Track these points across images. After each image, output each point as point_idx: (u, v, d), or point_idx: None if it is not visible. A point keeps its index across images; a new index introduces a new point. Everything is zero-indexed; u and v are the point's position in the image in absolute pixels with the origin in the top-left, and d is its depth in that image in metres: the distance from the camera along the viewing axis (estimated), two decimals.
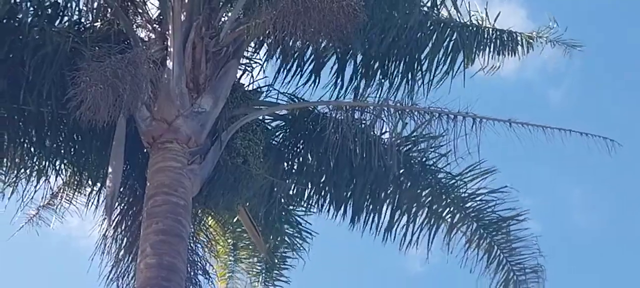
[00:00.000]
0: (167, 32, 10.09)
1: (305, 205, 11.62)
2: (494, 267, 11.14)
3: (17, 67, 9.71)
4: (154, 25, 10.51)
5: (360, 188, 10.99)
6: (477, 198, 11.14)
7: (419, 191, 11.16)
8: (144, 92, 9.14)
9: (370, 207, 11.19)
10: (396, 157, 10.52)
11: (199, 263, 11.09)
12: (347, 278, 18.48)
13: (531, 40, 11.08)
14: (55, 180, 11.02)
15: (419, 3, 10.95)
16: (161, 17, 10.48)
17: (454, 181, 11.08)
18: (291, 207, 11.75)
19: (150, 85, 9.27)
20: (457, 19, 11.02)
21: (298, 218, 11.89)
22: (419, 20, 10.77)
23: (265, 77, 11.15)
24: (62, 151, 10.52)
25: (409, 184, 11.12)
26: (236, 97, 10.36)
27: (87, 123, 8.91)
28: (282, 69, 11.13)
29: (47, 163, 10.57)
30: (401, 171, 10.97)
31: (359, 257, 16.71)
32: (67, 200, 11.67)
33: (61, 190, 11.61)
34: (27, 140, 10.35)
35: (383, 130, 10.71)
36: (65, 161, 10.68)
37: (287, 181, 11.04)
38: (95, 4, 10.30)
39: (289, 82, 11.16)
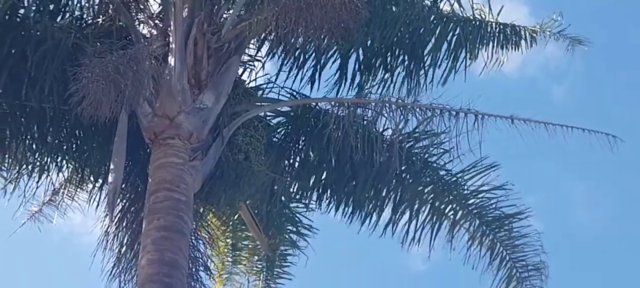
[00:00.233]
0: (168, 28, 10.09)
1: (306, 202, 11.61)
2: (496, 264, 11.11)
3: (19, 63, 9.70)
4: (156, 21, 10.50)
5: (362, 185, 10.98)
6: (480, 195, 11.12)
7: (421, 188, 11.14)
8: (146, 88, 9.15)
9: (372, 204, 11.17)
10: (398, 154, 10.50)
11: (200, 260, 11.09)
12: (348, 275, 18.48)
13: (535, 34, 11.05)
14: (57, 176, 11.04)
15: None
16: (163, 14, 10.47)
17: (456, 178, 11.06)
18: (292, 204, 11.72)
19: (152, 82, 9.27)
20: (460, 14, 10.99)
21: (299, 215, 11.85)
22: (421, 15, 10.73)
23: (267, 74, 11.18)
24: (64, 147, 10.51)
25: (411, 181, 11.10)
26: (238, 93, 10.37)
27: (89, 119, 8.92)
28: (283, 66, 11.13)
29: (48, 159, 10.57)
30: (403, 168, 10.95)
31: (361, 254, 16.72)
32: (69, 196, 11.67)
33: (63, 187, 11.60)
34: (28, 136, 10.34)
35: (385, 127, 10.71)
36: (67, 157, 10.67)
37: (289, 178, 11.02)
38: (97, 0, 10.29)
39: (291, 78, 11.17)
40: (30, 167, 10.61)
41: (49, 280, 18.70)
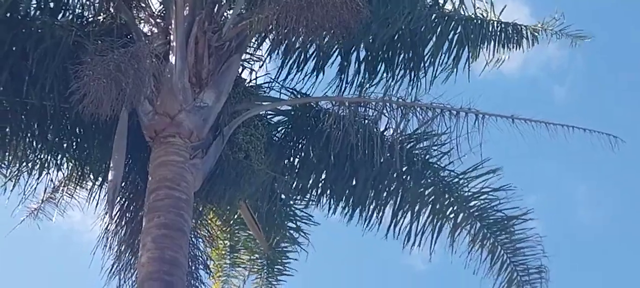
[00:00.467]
0: (169, 27, 10.08)
1: (306, 201, 11.59)
2: (497, 267, 11.07)
3: (20, 61, 9.71)
4: (157, 19, 10.49)
5: (362, 184, 10.97)
6: (481, 197, 11.09)
7: (422, 190, 11.11)
8: (147, 86, 9.15)
9: (373, 204, 11.15)
10: (398, 154, 10.49)
11: (200, 258, 11.09)
12: (350, 274, 18.48)
13: (536, 33, 11.03)
14: (57, 174, 11.04)
15: None
16: (164, 12, 10.46)
17: (457, 179, 11.04)
18: (293, 202, 11.70)
19: (152, 80, 9.26)
20: (462, 13, 10.97)
21: (299, 213, 11.83)
22: (422, 14, 10.72)
23: (267, 73, 11.17)
24: (64, 145, 10.51)
25: (411, 182, 11.08)
26: (238, 92, 10.37)
27: (90, 117, 8.93)
28: (284, 64, 11.12)
29: (49, 156, 10.56)
30: (404, 168, 10.93)
31: (363, 253, 16.71)
32: (69, 194, 11.67)
33: (62, 184, 11.60)
34: (29, 134, 10.34)
35: (386, 127, 10.69)
36: (67, 155, 10.67)
37: (289, 176, 11.01)
38: None
39: (292, 77, 11.16)
40: (30, 164, 10.60)
41: (48, 277, 18.73)
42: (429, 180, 11.06)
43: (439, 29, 10.95)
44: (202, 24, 10.00)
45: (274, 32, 9.82)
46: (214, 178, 10.18)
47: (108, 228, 10.94)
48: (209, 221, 11.74)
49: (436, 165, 10.99)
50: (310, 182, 11.18)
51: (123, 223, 10.85)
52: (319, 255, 12.23)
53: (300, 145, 11.09)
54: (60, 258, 18.21)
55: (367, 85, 11.05)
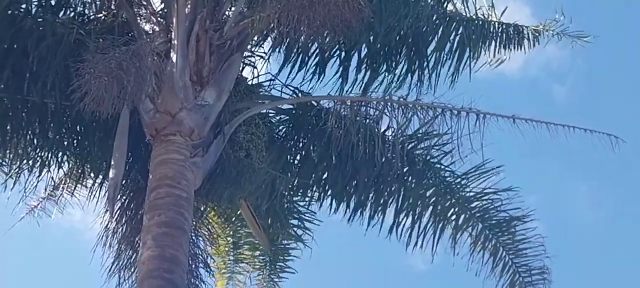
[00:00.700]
0: (171, 25, 10.08)
1: (307, 200, 11.59)
2: (499, 268, 11.05)
3: (21, 58, 9.71)
4: (158, 17, 10.50)
5: (363, 184, 10.97)
6: (483, 198, 11.08)
7: (423, 191, 11.11)
8: (148, 85, 9.13)
9: (374, 203, 11.15)
10: (399, 154, 10.49)
11: (200, 257, 11.09)
12: (348, 274, 18.45)
13: (537, 34, 11.04)
14: (58, 172, 11.04)
15: None
16: (165, 10, 10.46)
17: (459, 180, 11.03)
18: (294, 200, 11.68)
19: (154, 78, 9.24)
20: (463, 13, 10.97)
21: (301, 210, 11.81)
22: (424, 14, 10.71)
23: (268, 72, 11.16)
24: (65, 143, 10.51)
25: (413, 183, 11.07)
26: (239, 90, 10.36)
27: (91, 115, 8.93)
28: (286, 63, 11.11)
29: (49, 154, 10.57)
30: (405, 169, 10.93)
31: (362, 253, 16.69)
32: (69, 192, 11.66)
33: (63, 182, 11.60)
34: (30, 131, 10.35)
35: (387, 126, 10.70)
36: (68, 153, 10.67)
37: (289, 175, 11.01)
38: None
39: (294, 76, 11.16)
40: (31, 162, 10.60)
41: (49, 275, 18.71)
42: (431, 181, 11.05)
43: (441, 29, 10.96)
44: (203, 22, 10.00)
45: (275, 31, 9.82)
46: (215, 176, 10.18)
47: (108, 226, 10.95)
48: (211, 219, 11.73)
49: (438, 165, 10.98)
50: (311, 181, 11.17)
51: (123, 221, 10.85)
52: (319, 255, 12.24)
53: (301, 144, 11.09)
54: (60, 257, 18.21)
55: (369, 85, 11.05)
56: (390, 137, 10.68)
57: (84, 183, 11.20)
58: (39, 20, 9.87)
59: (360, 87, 11.10)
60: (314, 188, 11.29)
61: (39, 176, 10.78)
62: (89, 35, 9.78)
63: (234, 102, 10.23)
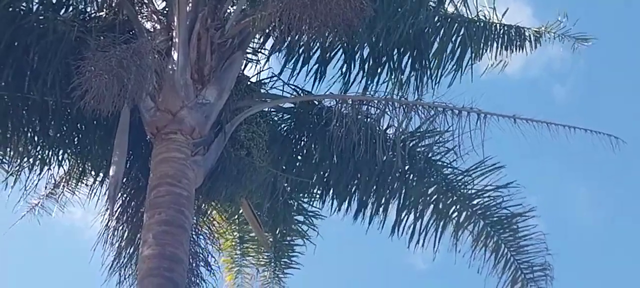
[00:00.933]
0: (172, 23, 10.07)
1: (309, 198, 11.59)
2: (501, 265, 11.04)
3: (22, 56, 9.70)
4: (160, 16, 10.49)
5: (365, 183, 10.96)
6: (484, 195, 11.07)
7: (424, 188, 11.10)
8: (149, 83, 9.13)
9: (375, 202, 11.14)
10: (401, 153, 10.49)
11: (201, 255, 11.09)
12: (349, 273, 18.46)
13: (539, 36, 11.03)
14: (58, 170, 11.04)
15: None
16: (167, 8, 10.45)
17: (460, 177, 11.03)
18: (297, 197, 11.67)
19: (155, 76, 9.25)
20: (465, 15, 10.97)
21: (305, 207, 11.80)
22: (426, 15, 10.71)
23: (270, 67, 11.17)
24: (66, 141, 10.50)
25: (414, 181, 11.06)
26: (241, 89, 10.36)
27: (91, 113, 8.92)
28: (288, 62, 11.11)
29: (50, 152, 10.56)
30: (406, 167, 10.92)
31: (362, 252, 16.70)
32: (70, 190, 11.66)
33: (64, 180, 11.59)
34: (30, 129, 10.33)
35: (388, 125, 10.69)
36: (68, 151, 10.66)
37: (291, 174, 11.00)
38: None
39: (295, 75, 11.16)
40: (31, 160, 10.59)
41: (49, 274, 18.72)
42: (432, 179, 11.04)
43: (443, 30, 10.95)
44: (204, 20, 10.00)
45: (277, 30, 9.81)
46: (216, 175, 10.17)
47: (109, 224, 10.94)
48: (214, 216, 11.74)
49: (439, 163, 10.98)
50: (313, 179, 11.17)
51: (124, 219, 10.85)
52: (320, 255, 12.23)
53: (302, 143, 11.09)
54: (61, 255, 18.23)
55: (371, 83, 11.06)
56: (391, 136, 10.67)
57: (84, 182, 11.20)
58: (40, 17, 9.86)
59: (362, 86, 11.10)
60: (316, 187, 11.28)
61: (39, 174, 10.78)
62: (90, 33, 9.78)
63: (235, 101, 10.23)
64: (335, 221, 11.44)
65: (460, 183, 10.99)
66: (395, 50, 11.05)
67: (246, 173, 10.29)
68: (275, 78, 11.10)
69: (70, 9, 10.25)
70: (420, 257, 11.74)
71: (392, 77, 11.11)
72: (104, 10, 10.33)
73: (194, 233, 10.74)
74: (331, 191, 11.20)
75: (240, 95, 10.35)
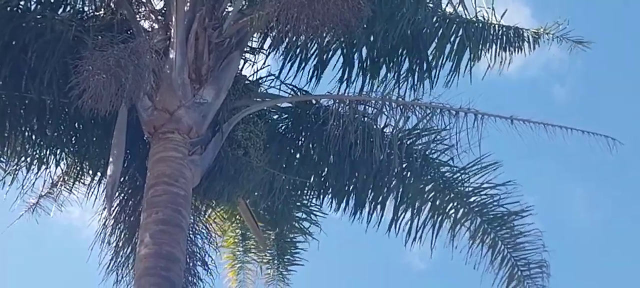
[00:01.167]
0: (170, 23, 10.08)
1: (307, 197, 11.59)
2: (498, 262, 11.05)
3: (20, 55, 9.70)
4: (157, 15, 10.49)
5: (362, 181, 10.97)
6: (481, 193, 11.08)
7: (422, 186, 11.10)
8: (146, 82, 9.14)
9: (373, 201, 11.15)
10: (398, 152, 10.49)
11: (198, 255, 11.09)
12: (347, 272, 18.46)
13: (537, 37, 11.03)
14: (56, 169, 11.04)
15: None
16: (164, 8, 10.46)
17: (457, 175, 11.04)
18: (297, 195, 11.67)
19: (152, 75, 9.26)
20: (463, 15, 10.97)
21: (305, 203, 11.80)
22: (424, 16, 10.71)
23: (268, 65, 11.17)
24: (63, 140, 10.50)
25: (412, 179, 11.07)
26: (238, 88, 10.37)
27: (89, 112, 8.92)
28: (285, 62, 11.11)
29: (48, 151, 10.56)
30: (404, 165, 10.93)
31: (360, 251, 16.69)
32: (67, 189, 11.66)
33: (61, 179, 11.59)
34: (28, 128, 10.33)
35: (385, 124, 10.69)
36: (66, 150, 10.67)
37: (289, 173, 11.00)
38: None
39: (293, 75, 11.16)
40: (29, 159, 10.59)
41: (47, 273, 18.72)
42: (429, 177, 11.05)
43: (441, 31, 10.95)
44: (202, 20, 10.00)
45: (274, 29, 9.81)
46: (213, 174, 10.17)
47: (106, 223, 10.95)
48: (213, 214, 11.74)
49: (436, 161, 10.99)
50: (311, 178, 11.17)
51: (121, 218, 10.85)
52: (319, 254, 12.24)
53: (300, 142, 11.09)
54: (58, 254, 18.20)
55: (368, 84, 11.06)
56: (388, 134, 10.67)
57: (82, 181, 11.18)
58: (38, 16, 9.86)
59: (359, 86, 11.11)
60: (314, 186, 11.29)
61: (37, 173, 10.76)
62: (87, 32, 9.78)
63: (233, 100, 10.23)
64: (334, 220, 11.48)
65: (457, 181, 11.01)
66: (394, 51, 11.04)
67: (243, 173, 10.30)
68: (272, 77, 11.12)
69: (68, 8, 10.25)
70: (418, 257, 11.73)
71: (390, 76, 11.11)
72: (102, 9, 10.33)
73: (191, 232, 10.74)
74: (328, 190, 11.20)
75: (238, 95, 10.36)
